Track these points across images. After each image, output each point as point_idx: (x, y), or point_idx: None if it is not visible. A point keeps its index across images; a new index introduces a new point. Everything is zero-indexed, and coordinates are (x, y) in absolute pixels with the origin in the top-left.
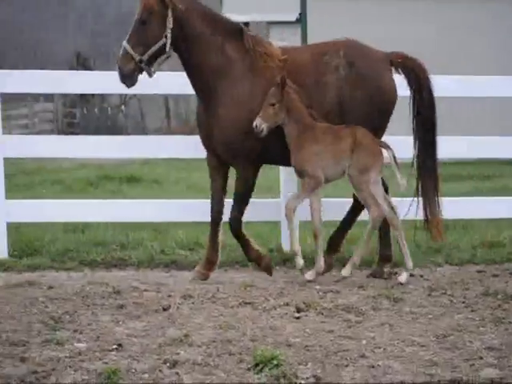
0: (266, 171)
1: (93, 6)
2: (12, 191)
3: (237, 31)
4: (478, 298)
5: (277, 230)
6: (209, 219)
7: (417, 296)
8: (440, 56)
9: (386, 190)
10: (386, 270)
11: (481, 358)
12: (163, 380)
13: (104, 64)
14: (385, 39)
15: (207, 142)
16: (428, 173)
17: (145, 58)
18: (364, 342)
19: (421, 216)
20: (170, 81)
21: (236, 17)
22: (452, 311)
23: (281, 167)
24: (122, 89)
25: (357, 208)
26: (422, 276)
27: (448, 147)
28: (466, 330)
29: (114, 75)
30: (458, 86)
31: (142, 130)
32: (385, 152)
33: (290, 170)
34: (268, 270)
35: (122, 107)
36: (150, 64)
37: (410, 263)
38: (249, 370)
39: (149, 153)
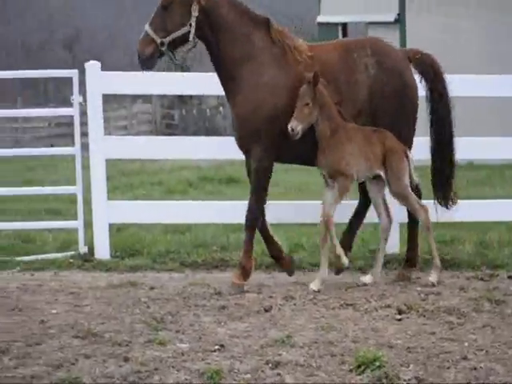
0: None
1: None
2: (113, 192)
3: (264, 23)
4: None
5: (376, 231)
6: (308, 221)
7: None
8: None
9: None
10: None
11: None
12: (265, 381)
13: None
14: (481, 37)
15: (238, 141)
16: (442, 178)
17: (166, 40)
18: (466, 344)
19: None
20: None
21: (334, 17)
22: None
23: None
24: (221, 90)
25: (362, 209)
26: None
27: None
28: None
29: (212, 77)
30: None
31: None
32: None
33: None
34: (289, 271)
35: (220, 108)
36: (172, 49)
37: (438, 262)
38: (351, 371)
39: None
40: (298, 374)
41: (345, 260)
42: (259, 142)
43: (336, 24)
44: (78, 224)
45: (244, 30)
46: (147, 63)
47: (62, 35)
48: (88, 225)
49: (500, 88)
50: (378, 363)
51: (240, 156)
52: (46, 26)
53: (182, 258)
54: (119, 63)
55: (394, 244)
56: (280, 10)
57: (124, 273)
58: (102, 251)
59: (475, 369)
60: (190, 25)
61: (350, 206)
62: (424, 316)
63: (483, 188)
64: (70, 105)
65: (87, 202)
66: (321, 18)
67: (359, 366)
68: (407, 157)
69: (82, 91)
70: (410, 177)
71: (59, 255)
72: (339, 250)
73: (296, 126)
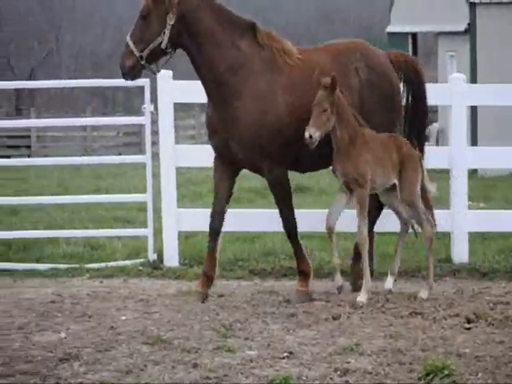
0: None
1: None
2: (181, 201)
3: (250, 27)
4: None
5: (446, 240)
6: (381, 230)
7: None
8: None
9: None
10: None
11: None
12: None
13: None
14: None
15: (223, 149)
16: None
17: (144, 54)
18: None
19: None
20: None
21: (404, 27)
22: None
23: (452, 179)
24: None
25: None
26: None
27: None
28: None
29: None
30: None
31: None
32: None
33: (459, 181)
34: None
35: None
36: (151, 61)
37: (432, 278)
38: (419, 379)
39: None
40: (366, 381)
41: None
42: (264, 152)
43: (406, 34)
44: (147, 232)
45: (229, 35)
46: (129, 76)
47: None
48: (157, 232)
49: None
50: (446, 372)
51: None
52: (114, 36)
53: (251, 266)
54: (191, 72)
55: (463, 253)
56: (350, 19)
57: (193, 280)
58: (171, 259)
59: None
60: (164, 33)
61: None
62: (492, 325)
63: None
64: (138, 114)
65: (156, 210)
66: (390, 28)
67: (428, 375)
68: (421, 165)
69: (153, 100)
70: (424, 185)
71: (128, 263)
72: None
73: (314, 132)
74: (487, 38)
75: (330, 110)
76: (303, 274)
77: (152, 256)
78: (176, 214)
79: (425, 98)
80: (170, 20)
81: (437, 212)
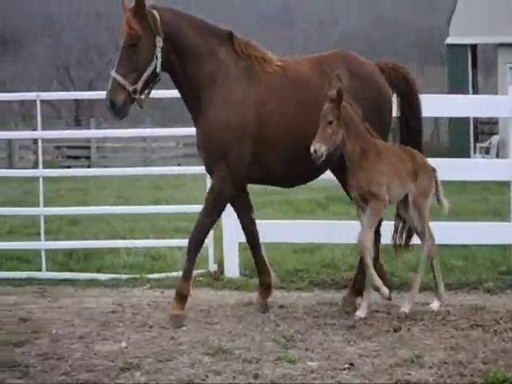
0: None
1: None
2: None
3: (228, 36)
4: None
5: (506, 252)
6: (440, 242)
7: None
8: None
9: None
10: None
11: None
12: None
13: None
14: None
15: (205, 163)
16: None
17: (139, 86)
18: None
19: None
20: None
21: (463, 39)
22: None
23: None
24: None
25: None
26: None
27: None
28: None
29: None
30: None
31: None
32: None
33: None
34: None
35: None
36: (142, 92)
37: (416, 292)
38: None
39: None
40: None
41: (385, 290)
42: (226, 160)
43: (465, 46)
44: (208, 242)
45: (209, 46)
46: (122, 113)
47: None
48: (217, 243)
49: None
50: None
51: None
52: None
53: (311, 278)
54: None
55: None
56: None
57: (253, 291)
58: (232, 269)
59: None
60: (156, 57)
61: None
62: None
63: None
64: None
65: None
66: (450, 40)
67: None
68: (436, 178)
69: None
70: (439, 198)
71: None
72: (376, 282)
73: (319, 147)
74: None
75: (336, 123)
76: (179, 295)
77: (212, 266)
78: (236, 224)
79: (417, 109)
80: (160, 43)
81: (497, 224)
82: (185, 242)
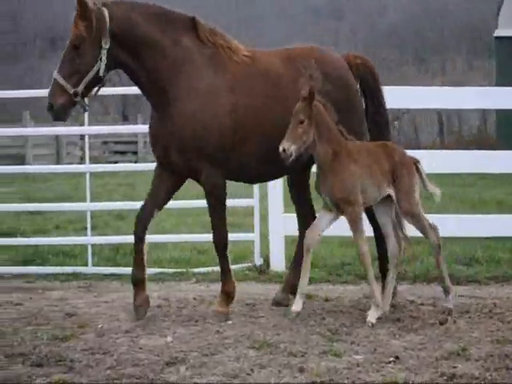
0: None
1: (365, 19)
2: (287, 206)
3: (191, 23)
4: None
5: None
6: (487, 234)
7: None
8: None
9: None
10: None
11: None
12: None
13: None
14: None
15: (164, 159)
16: None
17: (80, 89)
18: None
19: None
20: (444, 95)
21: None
22: None
23: None
24: (396, 104)
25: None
26: None
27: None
28: None
29: (388, 90)
30: None
31: (416, 146)
32: None
33: None
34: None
35: (395, 123)
36: (85, 95)
37: (450, 284)
38: None
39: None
40: None
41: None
42: (206, 155)
43: None
44: (254, 236)
45: (169, 35)
46: (61, 116)
47: None
48: (263, 237)
49: None
50: None
51: None
52: None
53: (357, 271)
54: None
55: None
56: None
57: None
58: (278, 263)
59: None
60: (101, 59)
61: None
62: None
63: None
64: None
65: (262, 215)
66: (498, 32)
67: None
68: (418, 170)
69: None
70: (427, 188)
71: (235, 267)
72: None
73: (288, 146)
74: None
75: (307, 123)
76: (225, 294)
77: (258, 260)
78: (282, 218)
79: (382, 104)
80: (106, 44)
81: None
82: (230, 236)
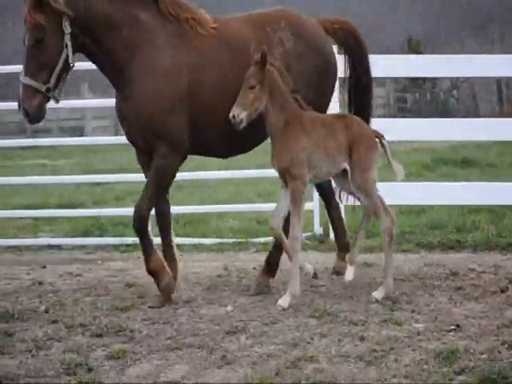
0: None
1: None
2: None
3: None
4: None
5: None
6: None
7: None
8: None
9: None
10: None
11: None
12: (501, 361)
13: (435, 48)
14: None
15: (131, 136)
16: None
17: (52, 83)
18: None
19: None
20: (504, 64)
21: None
22: None
23: None
24: (454, 73)
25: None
26: None
27: None
28: None
29: (445, 59)
30: None
31: (475, 114)
32: None
33: None
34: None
35: (454, 92)
36: (56, 88)
37: (391, 279)
38: None
39: (481, 136)
40: None
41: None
42: (165, 134)
43: None
44: (313, 205)
45: (125, 13)
46: (37, 117)
47: None
48: (323, 206)
49: None
50: None
51: (473, 138)
52: None
53: (418, 239)
54: None
55: None
56: None
57: (360, 254)
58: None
59: None
60: (66, 46)
61: None
62: None
63: None
64: None
65: None
66: None
67: None
68: (382, 145)
69: None
70: (391, 164)
71: None
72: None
73: (238, 113)
74: None
75: (259, 88)
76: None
77: (318, 230)
78: None
79: (367, 68)
80: (67, 28)
81: None
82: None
